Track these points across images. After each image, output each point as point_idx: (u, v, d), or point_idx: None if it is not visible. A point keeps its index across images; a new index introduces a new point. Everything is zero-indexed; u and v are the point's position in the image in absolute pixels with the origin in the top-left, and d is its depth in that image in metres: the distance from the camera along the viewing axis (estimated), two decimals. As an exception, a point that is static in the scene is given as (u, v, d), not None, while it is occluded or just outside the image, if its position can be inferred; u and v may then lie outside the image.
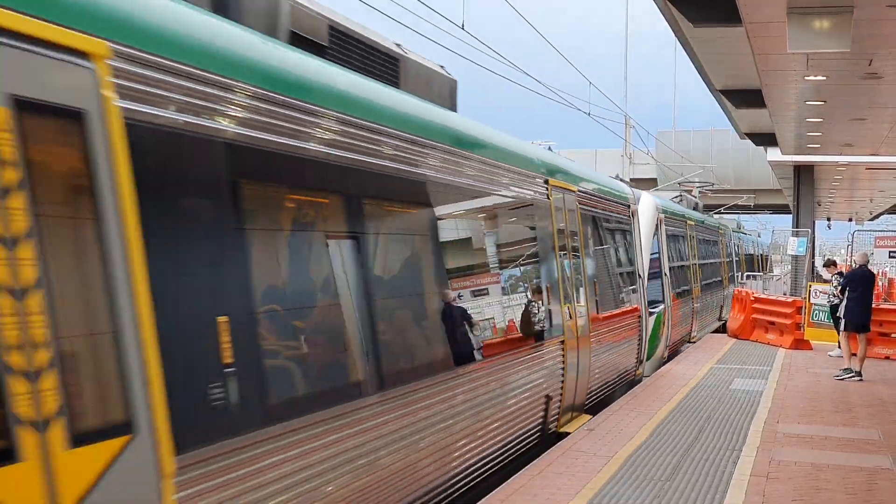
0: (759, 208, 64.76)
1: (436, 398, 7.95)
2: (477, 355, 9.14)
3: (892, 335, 20.64)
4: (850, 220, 65.74)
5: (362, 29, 8.57)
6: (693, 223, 27.40)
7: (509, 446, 9.97)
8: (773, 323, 23.11)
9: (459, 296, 9.06)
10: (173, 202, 5.03)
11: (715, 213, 44.70)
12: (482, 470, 9.22)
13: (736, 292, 27.03)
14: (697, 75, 18.74)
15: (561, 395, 11.64)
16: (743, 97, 19.97)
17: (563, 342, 11.67)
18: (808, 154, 28.28)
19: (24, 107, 4.08)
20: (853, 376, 16.99)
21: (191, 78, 5.15)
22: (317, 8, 7.82)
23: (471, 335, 9.23)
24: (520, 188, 10.91)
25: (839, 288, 18.20)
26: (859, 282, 17.44)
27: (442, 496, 8.18)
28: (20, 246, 3.99)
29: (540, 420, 11.00)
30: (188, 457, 4.76)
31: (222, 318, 5.20)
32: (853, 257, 19.27)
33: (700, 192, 44.51)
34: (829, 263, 21.35)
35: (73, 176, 4.42)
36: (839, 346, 18.34)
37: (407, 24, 12.89)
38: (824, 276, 26.80)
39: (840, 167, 30.97)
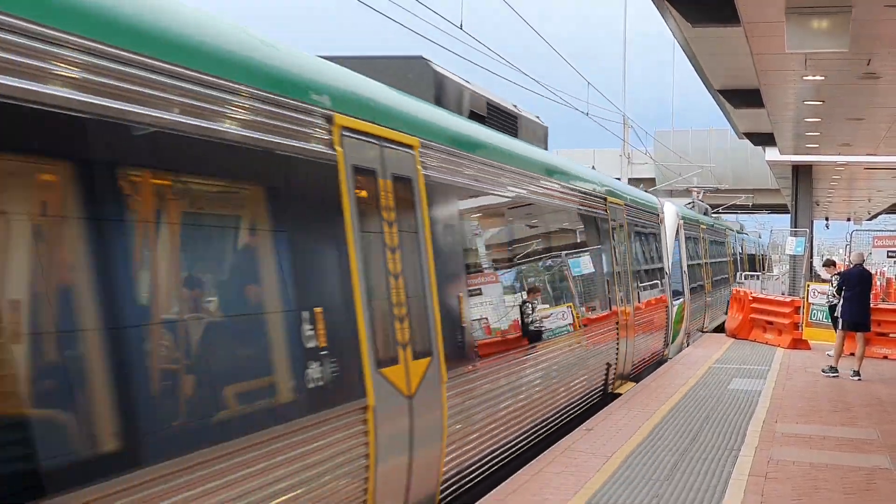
0: (757, 208, 64.84)
1: (556, 354, 11.89)
2: (580, 328, 13.03)
3: (891, 335, 20.64)
4: (849, 219, 65.78)
5: (498, 98, 12.37)
6: (704, 227, 31.01)
7: (588, 396, 13.66)
8: (771, 323, 23.11)
9: (569, 287, 13.19)
10: (440, 225, 8.64)
11: (713, 213, 44.99)
12: (575, 409, 12.98)
13: (734, 292, 27.04)
14: (696, 75, 18.75)
15: (616, 364, 15.20)
16: (741, 97, 19.97)
17: (617, 324, 15.24)
18: (807, 154, 28.31)
19: (394, 178, 7.66)
20: (837, 375, 17.07)
21: (443, 151, 8.87)
22: (479, 90, 11.50)
23: (580, 315, 13.20)
24: (590, 206, 14.55)
25: (836, 288, 18.24)
26: (855, 281, 17.49)
27: (560, 417, 12.20)
28: (396, 252, 7.56)
29: (603, 381, 14.55)
30: (451, 372, 8.31)
31: (461, 294, 8.98)
32: (849, 257, 19.38)
33: (690, 189, 44.92)
34: (829, 263, 21.34)
35: (408, 212, 7.94)
36: None
37: (405, 23, 12.91)
38: (823, 276, 26.80)
39: (838, 167, 30.99)
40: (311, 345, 6.16)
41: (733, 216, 64.59)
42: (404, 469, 7.44)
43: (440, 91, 10.31)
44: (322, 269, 6.58)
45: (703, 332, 27.77)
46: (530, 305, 11.12)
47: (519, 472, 9.68)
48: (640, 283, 17.71)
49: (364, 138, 7.25)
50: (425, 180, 8.28)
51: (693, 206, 33.54)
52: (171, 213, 5.23)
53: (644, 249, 18.91)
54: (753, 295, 24.87)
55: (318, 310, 6.32)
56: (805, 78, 15.80)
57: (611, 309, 14.99)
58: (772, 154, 29.78)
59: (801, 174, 32.42)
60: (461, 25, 14.33)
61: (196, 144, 5.24)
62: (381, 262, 7.35)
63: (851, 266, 18.09)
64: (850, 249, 31.03)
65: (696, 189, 43.12)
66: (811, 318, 22.33)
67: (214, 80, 5.40)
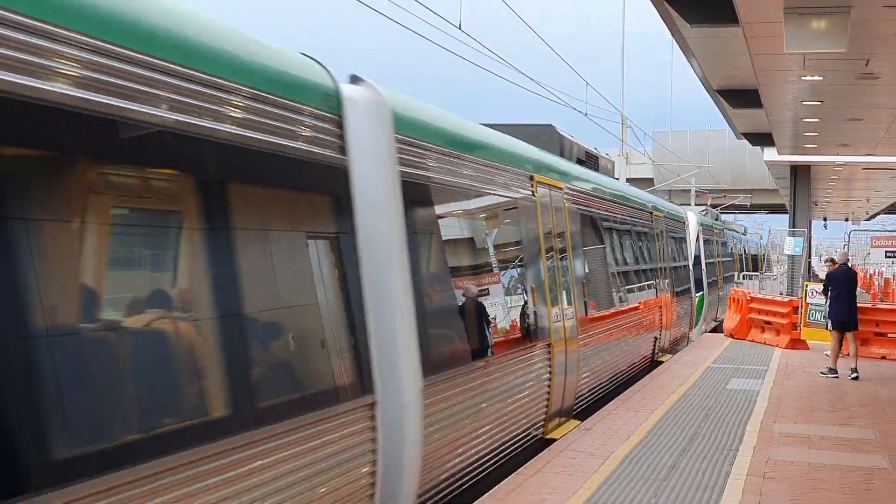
0: (755, 208, 64.86)
1: (631, 325, 17.06)
2: (643, 308, 18.33)
3: (889, 335, 20.64)
4: (847, 219, 65.74)
5: (588, 145, 17.63)
6: (717, 231, 35.99)
7: (643, 359, 18.41)
8: (769, 323, 23.10)
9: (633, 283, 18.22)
10: (575, 237, 13.42)
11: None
12: (636, 368, 17.66)
13: (732, 292, 27.01)
14: (694, 75, 18.74)
15: (660, 338, 20.08)
16: (740, 97, 19.96)
17: (661, 307, 20.21)
18: (805, 154, 28.27)
19: (555, 210, 12.53)
20: (837, 376, 17.11)
21: (576, 189, 13.97)
22: (580, 142, 16.81)
23: (647, 302, 18.85)
24: (644, 220, 19.86)
25: (822, 288, 18.37)
26: (842, 281, 17.65)
27: (629, 371, 17.01)
28: (557, 254, 12.36)
29: (651, 350, 19.36)
30: (581, 329, 13.03)
31: (584, 281, 13.78)
32: (833, 256, 19.53)
33: (697, 192, 45.10)
34: (830, 262, 21.37)
35: (561, 231, 12.72)
36: None
37: (404, 23, 12.91)
38: (821, 276, 26.78)
39: (836, 167, 30.99)
40: (532, 308, 11.17)
41: (731, 216, 64.65)
42: (562, 384, 12.14)
43: (562, 147, 15.34)
44: (534, 267, 11.45)
45: (716, 321, 32.05)
46: (615, 290, 16.36)
47: (517, 471, 9.68)
48: (675, 277, 22.82)
49: (544, 188, 12.12)
50: (568, 210, 13.19)
51: (707, 213, 38.34)
52: (489, 238, 10.47)
53: (677, 251, 24.24)
54: (751, 295, 24.85)
55: (533, 287, 11.28)
56: (803, 78, 15.79)
57: (657, 296, 20.00)
58: (770, 154, 29.74)
59: (800, 174, 32.39)
60: (460, 25, 14.34)
61: (495, 201, 10.46)
62: (552, 261, 12.14)
63: (837, 266, 18.17)
64: (849, 249, 31.05)
65: (702, 192, 45.17)
66: (809, 318, 22.33)
67: (504, 167, 10.68)
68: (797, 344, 21.79)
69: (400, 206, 7.53)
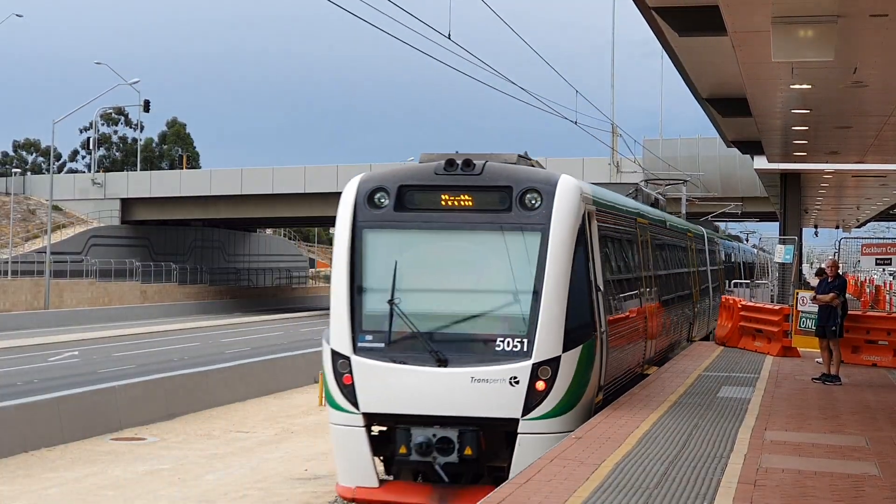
0: (746, 216, 64.99)
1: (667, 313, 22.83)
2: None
3: (880, 342, 20.70)
4: (837, 227, 65.96)
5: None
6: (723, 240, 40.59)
7: (688, 339, 24.58)
8: (760, 330, 23.14)
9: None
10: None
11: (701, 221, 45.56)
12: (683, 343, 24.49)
13: (723, 300, 27.07)
14: (684, 84, 18.81)
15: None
16: (729, 106, 20.02)
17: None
18: (795, 162, 28.37)
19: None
20: (834, 381, 17.20)
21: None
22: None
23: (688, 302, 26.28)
24: (695, 242, 25.64)
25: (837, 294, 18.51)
26: (821, 290, 17.95)
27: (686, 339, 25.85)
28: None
29: (687, 333, 24.86)
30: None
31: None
32: (821, 265, 19.76)
33: (687, 199, 45.23)
34: (820, 272, 21.45)
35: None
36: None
37: (394, 33, 12.94)
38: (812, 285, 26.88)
39: (826, 175, 31.10)
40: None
41: (724, 224, 64.98)
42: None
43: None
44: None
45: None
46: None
47: (506, 482, 9.68)
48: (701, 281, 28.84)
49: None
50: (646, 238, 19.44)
51: (716, 229, 40.35)
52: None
53: (701, 261, 30.44)
54: (742, 303, 24.91)
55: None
56: (792, 87, 15.85)
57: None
58: (760, 162, 29.82)
59: (790, 182, 32.50)
60: (449, 35, 14.38)
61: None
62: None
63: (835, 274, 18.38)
64: (839, 257, 31.18)
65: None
66: (800, 326, 22.35)
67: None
68: (788, 352, 21.82)
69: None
